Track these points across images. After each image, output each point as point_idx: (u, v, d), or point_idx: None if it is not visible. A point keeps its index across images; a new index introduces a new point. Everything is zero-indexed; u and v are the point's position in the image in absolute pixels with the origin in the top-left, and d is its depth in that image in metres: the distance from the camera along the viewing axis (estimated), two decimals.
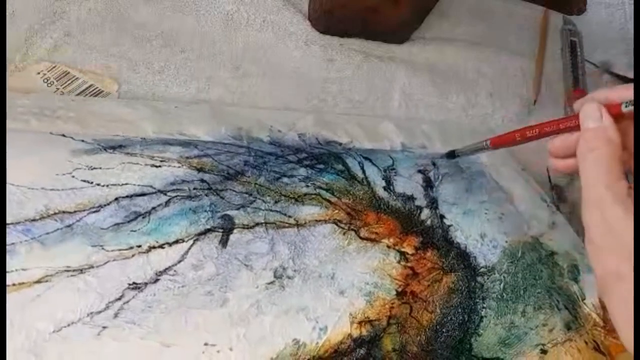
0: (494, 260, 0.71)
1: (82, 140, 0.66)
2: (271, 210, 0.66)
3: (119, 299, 0.55)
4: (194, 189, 0.65)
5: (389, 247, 0.68)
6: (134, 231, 0.60)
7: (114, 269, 0.57)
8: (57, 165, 0.62)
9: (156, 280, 0.58)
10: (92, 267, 0.56)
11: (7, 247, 0.55)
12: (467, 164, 0.81)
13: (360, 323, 0.61)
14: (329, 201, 0.69)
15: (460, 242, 0.72)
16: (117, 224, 0.60)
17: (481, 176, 0.80)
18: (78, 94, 0.75)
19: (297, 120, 0.79)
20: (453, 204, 0.75)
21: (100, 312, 0.54)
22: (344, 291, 0.63)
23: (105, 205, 0.61)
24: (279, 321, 0.59)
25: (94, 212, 0.60)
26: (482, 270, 0.70)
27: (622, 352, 0.68)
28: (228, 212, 0.65)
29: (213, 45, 0.86)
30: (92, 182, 0.62)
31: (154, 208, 0.62)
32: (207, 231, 0.62)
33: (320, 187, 0.70)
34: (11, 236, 0.56)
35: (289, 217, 0.67)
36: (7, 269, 0.53)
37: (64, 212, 0.59)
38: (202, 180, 0.66)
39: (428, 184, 0.76)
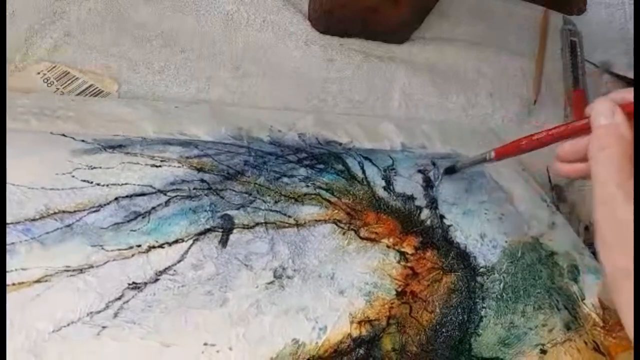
0: (494, 260, 0.71)
1: (82, 140, 0.66)
2: (271, 210, 0.66)
3: (119, 298, 0.56)
4: (194, 188, 0.65)
5: (388, 247, 0.68)
6: (134, 231, 0.60)
7: (113, 269, 0.57)
8: (57, 165, 0.62)
9: (156, 280, 0.58)
10: (91, 266, 0.56)
11: (7, 246, 0.55)
12: None
13: (359, 323, 0.62)
14: (328, 201, 0.69)
15: (460, 242, 0.72)
16: (117, 224, 0.60)
17: (481, 176, 0.80)
18: (78, 94, 0.75)
19: (297, 120, 0.79)
20: (453, 204, 0.75)
21: (100, 311, 0.54)
22: (344, 291, 0.63)
23: (105, 205, 0.61)
24: (278, 321, 0.59)
25: (94, 211, 0.60)
26: (481, 270, 0.70)
27: (621, 352, 0.68)
28: (228, 212, 0.65)
29: (213, 45, 0.86)
30: (92, 182, 0.62)
31: (153, 208, 0.62)
32: (207, 231, 0.62)
33: (320, 187, 0.70)
34: (11, 236, 0.56)
35: (289, 217, 0.67)
36: (7, 269, 0.53)
37: (63, 211, 0.59)
38: (202, 180, 0.66)
39: (428, 184, 0.76)
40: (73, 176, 0.62)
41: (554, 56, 1.04)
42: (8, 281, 0.53)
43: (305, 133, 0.77)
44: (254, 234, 0.64)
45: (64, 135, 0.66)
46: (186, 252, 0.60)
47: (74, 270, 0.56)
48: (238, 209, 0.65)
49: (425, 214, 0.73)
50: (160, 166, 0.66)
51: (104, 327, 0.54)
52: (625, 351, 0.68)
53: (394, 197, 0.73)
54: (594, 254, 0.83)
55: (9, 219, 0.56)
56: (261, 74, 0.86)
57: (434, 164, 0.79)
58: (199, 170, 0.67)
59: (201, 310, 0.57)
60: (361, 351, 0.60)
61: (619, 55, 1.07)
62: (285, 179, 0.70)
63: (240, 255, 0.62)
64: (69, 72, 0.77)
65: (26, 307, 0.52)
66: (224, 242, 0.62)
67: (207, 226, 0.63)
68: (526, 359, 0.65)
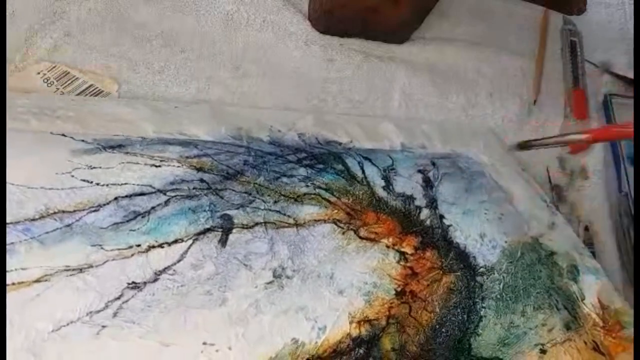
0: (494, 261, 0.71)
1: (82, 140, 0.66)
2: (270, 210, 0.66)
3: (118, 298, 0.56)
4: (194, 188, 0.65)
5: (388, 247, 0.68)
6: (133, 231, 0.60)
7: (113, 269, 0.57)
8: (56, 165, 0.62)
9: (155, 280, 0.58)
10: (91, 266, 0.56)
11: (7, 246, 0.55)
12: (467, 163, 0.81)
13: (359, 323, 0.62)
14: (328, 201, 0.69)
15: (460, 242, 0.72)
16: (117, 224, 0.60)
17: (481, 176, 0.80)
18: (78, 94, 0.75)
19: (297, 120, 0.79)
20: (452, 204, 0.75)
21: (99, 311, 0.54)
22: (343, 291, 0.63)
23: (104, 205, 0.61)
24: (277, 321, 0.59)
25: (94, 211, 0.60)
26: (481, 270, 0.70)
27: (621, 352, 0.68)
28: (227, 212, 0.65)
29: (213, 45, 0.86)
30: (91, 182, 0.62)
31: (153, 208, 0.62)
32: (206, 231, 0.62)
33: (319, 187, 0.70)
34: (11, 235, 0.56)
35: (288, 216, 0.67)
36: (7, 268, 0.53)
37: (63, 211, 0.59)
38: (202, 180, 0.67)
39: (428, 184, 0.76)
40: (73, 176, 0.62)
41: (554, 56, 1.04)
42: (8, 281, 0.53)
43: (305, 133, 0.77)
44: (253, 233, 0.64)
45: (63, 135, 0.66)
46: (185, 251, 0.60)
47: (73, 270, 0.56)
48: (237, 208, 0.65)
49: (425, 213, 0.73)
50: (159, 166, 0.66)
51: (103, 327, 0.54)
52: (625, 351, 0.68)
53: (394, 197, 0.73)
54: (594, 254, 0.83)
55: (8, 219, 0.56)
56: (261, 74, 0.86)
57: (433, 163, 0.79)
58: (199, 170, 0.67)
59: (200, 309, 0.58)
60: (361, 351, 0.60)
61: (619, 55, 1.07)
62: (285, 179, 0.70)
63: (240, 255, 0.62)
64: (69, 72, 0.77)
65: (26, 307, 0.52)
66: (223, 241, 0.62)
67: (207, 226, 0.63)
68: (526, 358, 0.65)
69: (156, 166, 0.66)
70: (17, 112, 0.67)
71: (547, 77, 1.01)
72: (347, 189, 0.72)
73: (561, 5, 0.91)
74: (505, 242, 0.73)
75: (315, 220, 0.68)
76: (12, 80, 0.73)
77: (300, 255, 0.64)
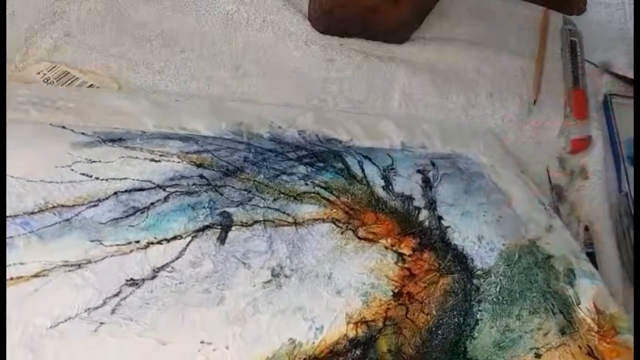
0: (491, 263, 0.71)
1: (82, 133, 0.66)
2: (269, 208, 0.66)
3: (117, 295, 0.56)
4: (193, 184, 0.65)
5: (386, 247, 0.68)
6: (132, 226, 0.60)
7: (111, 265, 0.57)
8: (56, 158, 0.63)
9: (154, 277, 0.58)
10: (90, 262, 0.57)
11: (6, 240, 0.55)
12: (466, 164, 0.81)
13: (356, 324, 0.62)
14: (327, 200, 0.69)
15: (458, 244, 0.72)
16: (116, 219, 0.60)
17: (480, 177, 0.80)
18: None
19: (297, 116, 0.79)
20: (451, 205, 0.75)
21: (97, 307, 0.54)
22: (341, 291, 0.63)
23: (104, 200, 0.61)
24: (275, 320, 0.59)
25: (93, 206, 0.60)
26: (478, 272, 0.70)
27: (616, 357, 0.68)
28: (227, 209, 0.65)
29: (213, 45, 0.86)
30: (91, 176, 0.62)
31: (152, 203, 0.63)
32: (205, 228, 0.62)
33: (319, 186, 0.70)
34: (10, 229, 0.56)
35: (288, 215, 0.67)
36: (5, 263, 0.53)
37: (62, 205, 0.59)
38: (202, 176, 0.67)
39: (427, 184, 0.76)
40: (72, 169, 0.62)
41: (554, 56, 1.04)
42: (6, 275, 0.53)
43: (305, 130, 0.77)
44: (252, 231, 0.64)
45: (63, 127, 0.66)
46: (184, 249, 0.60)
47: (72, 266, 0.56)
48: (237, 206, 0.65)
49: (423, 214, 0.73)
50: (159, 161, 0.66)
51: (101, 324, 0.54)
52: (619, 356, 0.68)
53: (393, 197, 0.73)
54: (593, 254, 0.83)
55: (7, 212, 0.56)
56: (261, 74, 0.86)
57: (433, 164, 0.79)
58: (199, 166, 0.67)
59: (198, 308, 0.58)
60: (357, 352, 0.60)
61: (619, 55, 1.07)
62: (285, 177, 0.70)
63: (238, 253, 0.62)
64: (69, 72, 0.77)
65: (24, 302, 0.52)
66: (222, 239, 0.62)
67: (206, 223, 0.63)
68: None
69: (156, 161, 0.66)
70: (17, 102, 0.67)
71: (547, 77, 1.01)
72: (347, 188, 0.72)
73: (561, 5, 0.90)
74: (503, 244, 0.73)
75: (314, 219, 0.68)
76: (12, 80, 0.73)
77: (299, 254, 0.64)
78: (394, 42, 0.95)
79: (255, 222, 0.65)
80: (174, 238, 0.61)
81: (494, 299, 0.68)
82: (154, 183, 0.64)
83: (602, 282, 0.74)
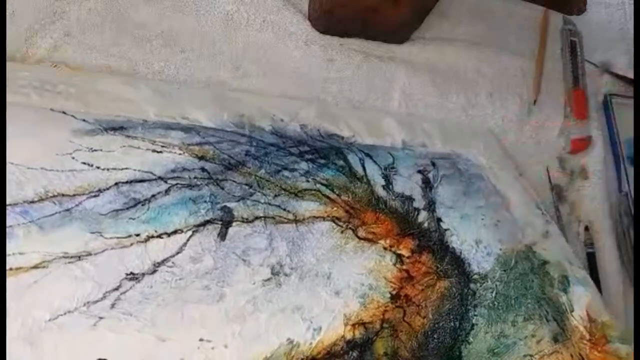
0: (488, 268, 0.71)
1: (84, 120, 0.65)
2: (270, 204, 0.66)
3: (116, 289, 0.55)
4: (195, 177, 0.65)
5: (385, 248, 0.68)
6: (133, 219, 0.60)
7: (111, 258, 0.57)
8: (57, 145, 0.62)
9: (154, 272, 0.57)
10: (89, 254, 0.56)
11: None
12: (466, 165, 0.81)
13: (353, 325, 0.62)
14: (328, 197, 0.69)
15: (456, 247, 0.72)
16: (116, 211, 0.60)
17: (479, 180, 0.80)
18: None
19: (300, 109, 0.78)
20: (450, 207, 0.75)
21: (97, 301, 0.54)
22: (340, 292, 0.63)
23: (104, 190, 0.61)
24: (274, 320, 0.59)
25: (93, 196, 0.60)
26: (475, 277, 0.70)
27: None
28: (228, 204, 0.64)
29: (213, 45, 0.85)
30: (92, 165, 0.62)
31: (153, 196, 0.62)
32: (206, 222, 0.62)
33: (320, 183, 0.70)
34: (9, 218, 0.55)
35: (288, 212, 0.67)
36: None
37: (63, 195, 0.59)
38: (203, 169, 0.66)
39: (427, 185, 0.76)
40: (73, 157, 0.61)
41: (554, 56, 1.04)
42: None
43: (307, 124, 0.77)
44: (253, 228, 0.64)
45: (64, 113, 0.65)
46: (185, 243, 0.60)
47: (72, 257, 0.55)
48: (238, 201, 0.65)
49: (423, 216, 0.73)
50: (161, 152, 0.66)
51: (100, 318, 0.54)
52: None
53: (393, 197, 0.73)
54: (593, 254, 0.83)
55: (7, 200, 0.56)
56: (261, 74, 0.85)
57: (433, 164, 0.79)
58: (200, 158, 0.67)
59: (198, 304, 0.58)
60: (354, 354, 0.61)
61: (619, 55, 1.07)
62: (286, 173, 0.70)
63: (239, 250, 0.62)
64: None
65: (23, 294, 0.52)
66: (222, 235, 0.62)
67: (207, 217, 0.63)
68: None
69: (157, 152, 0.66)
70: (17, 85, 0.66)
71: (547, 77, 1.01)
72: (348, 186, 0.71)
73: (561, 5, 0.90)
74: (500, 249, 0.74)
75: (314, 217, 0.68)
76: None
77: (299, 252, 0.65)
78: (394, 42, 0.95)
79: (256, 218, 0.65)
80: (175, 232, 0.60)
81: (490, 304, 0.69)
82: (155, 174, 0.64)
83: (594, 289, 0.75)
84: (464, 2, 1.03)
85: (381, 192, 0.73)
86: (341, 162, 0.73)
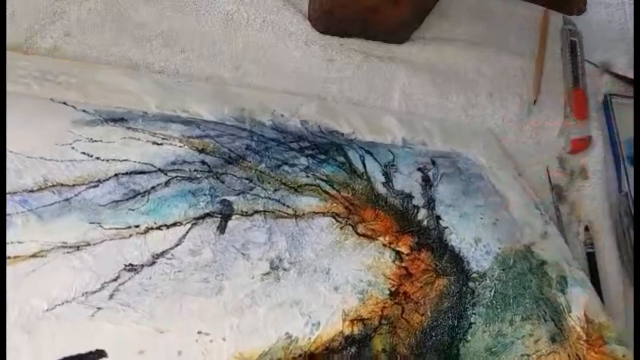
0: (486, 267, 0.72)
1: (84, 110, 0.65)
2: (270, 199, 0.66)
3: (115, 279, 0.55)
4: (195, 170, 0.65)
5: (384, 245, 0.68)
6: (132, 210, 0.60)
7: (110, 248, 0.57)
8: (57, 135, 0.62)
9: (153, 263, 0.57)
10: (88, 244, 0.56)
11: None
12: (466, 165, 0.81)
13: (352, 321, 0.62)
14: (328, 193, 0.69)
15: (455, 245, 0.72)
16: (116, 202, 0.60)
17: (479, 179, 0.80)
18: None
19: (300, 105, 0.78)
20: (450, 206, 0.75)
21: (95, 292, 0.54)
22: (339, 287, 0.63)
23: (104, 181, 0.60)
24: (272, 314, 0.59)
25: (93, 186, 0.60)
26: (474, 275, 0.70)
27: None
28: (227, 197, 0.64)
29: (213, 45, 0.86)
30: (92, 155, 0.62)
31: (153, 187, 0.62)
32: (205, 215, 0.62)
33: (320, 179, 0.70)
34: (8, 206, 0.55)
35: (288, 207, 0.66)
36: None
37: (62, 184, 0.59)
38: (203, 162, 0.66)
39: (427, 183, 0.76)
40: (73, 148, 0.61)
41: (554, 56, 1.04)
42: None
43: (308, 120, 0.77)
44: (252, 222, 0.64)
45: (65, 103, 0.65)
46: (184, 236, 0.60)
47: (70, 247, 0.55)
48: (238, 195, 0.65)
49: (422, 213, 0.73)
50: (161, 144, 0.66)
51: (98, 309, 0.53)
52: None
53: (393, 194, 0.73)
54: (593, 254, 0.83)
55: (6, 189, 0.56)
56: (261, 74, 0.85)
57: (433, 162, 0.79)
58: (201, 151, 0.67)
59: (196, 297, 0.57)
60: (352, 350, 0.61)
61: (619, 55, 1.07)
62: (286, 167, 0.70)
63: (238, 244, 0.62)
64: None
65: (21, 283, 0.52)
66: (222, 228, 0.62)
67: (207, 210, 0.62)
68: None
69: (158, 144, 0.65)
70: (17, 75, 0.66)
71: (547, 77, 1.01)
72: (348, 182, 0.71)
73: (561, 5, 0.90)
74: (499, 248, 0.74)
75: (314, 213, 0.67)
76: None
77: (298, 247, 0.64)
78: (394, 42, 0.95)
79: (256, 212, 0.64)
80: (174, 224, 0.60)
81: (488, 303, 0.69)
82: (155, 166, 0.63)
83: (591, 290, 0.75)
84: (464, 2, 1.03)
85: (381, 189, 0.73)
86: (341, 159, 0.73)
